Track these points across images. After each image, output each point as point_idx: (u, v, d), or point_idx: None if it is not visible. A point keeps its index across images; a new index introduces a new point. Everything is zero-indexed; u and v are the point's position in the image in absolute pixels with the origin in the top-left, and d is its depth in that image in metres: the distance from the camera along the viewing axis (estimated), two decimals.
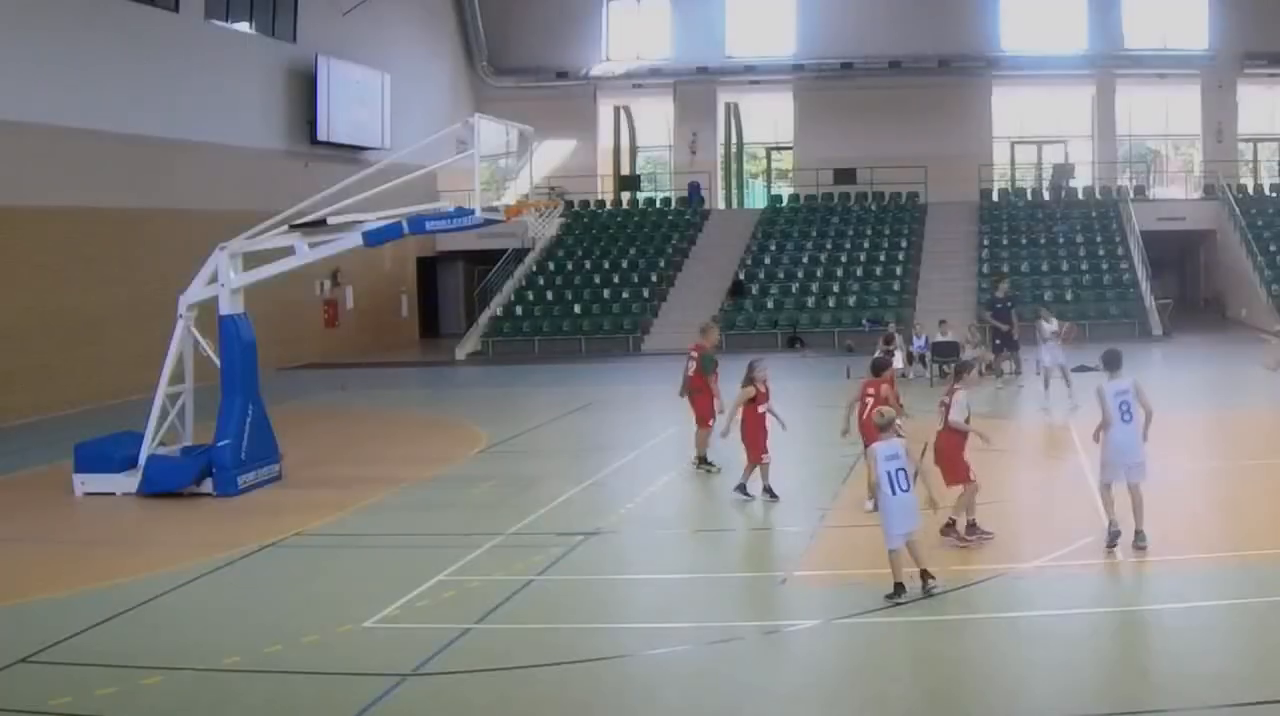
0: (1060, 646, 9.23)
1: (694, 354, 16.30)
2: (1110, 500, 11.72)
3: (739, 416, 14.35)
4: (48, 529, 14.40)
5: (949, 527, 11.92)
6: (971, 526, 11.96)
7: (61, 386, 24.66)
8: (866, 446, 12.33)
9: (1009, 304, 24.70)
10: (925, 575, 10.25)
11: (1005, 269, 34.57)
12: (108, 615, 10.55)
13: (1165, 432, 16.44)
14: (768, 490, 14.24)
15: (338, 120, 34.73)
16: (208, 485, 15.49)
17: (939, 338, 25.08)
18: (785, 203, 42.90)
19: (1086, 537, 11.98)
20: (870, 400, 13.57)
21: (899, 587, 10.16)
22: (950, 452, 12.12)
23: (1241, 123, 42.15)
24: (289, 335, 31.83)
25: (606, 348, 34.17)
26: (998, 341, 24.69)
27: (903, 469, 10.30)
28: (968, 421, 12.23)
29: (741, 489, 14.29)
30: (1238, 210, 37.14)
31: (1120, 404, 11.61)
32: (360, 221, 16.04)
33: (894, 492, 10.27)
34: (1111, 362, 12.00)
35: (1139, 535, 11.48)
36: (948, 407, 12.18)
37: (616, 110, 45.30)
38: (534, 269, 38.56)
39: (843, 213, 41.02)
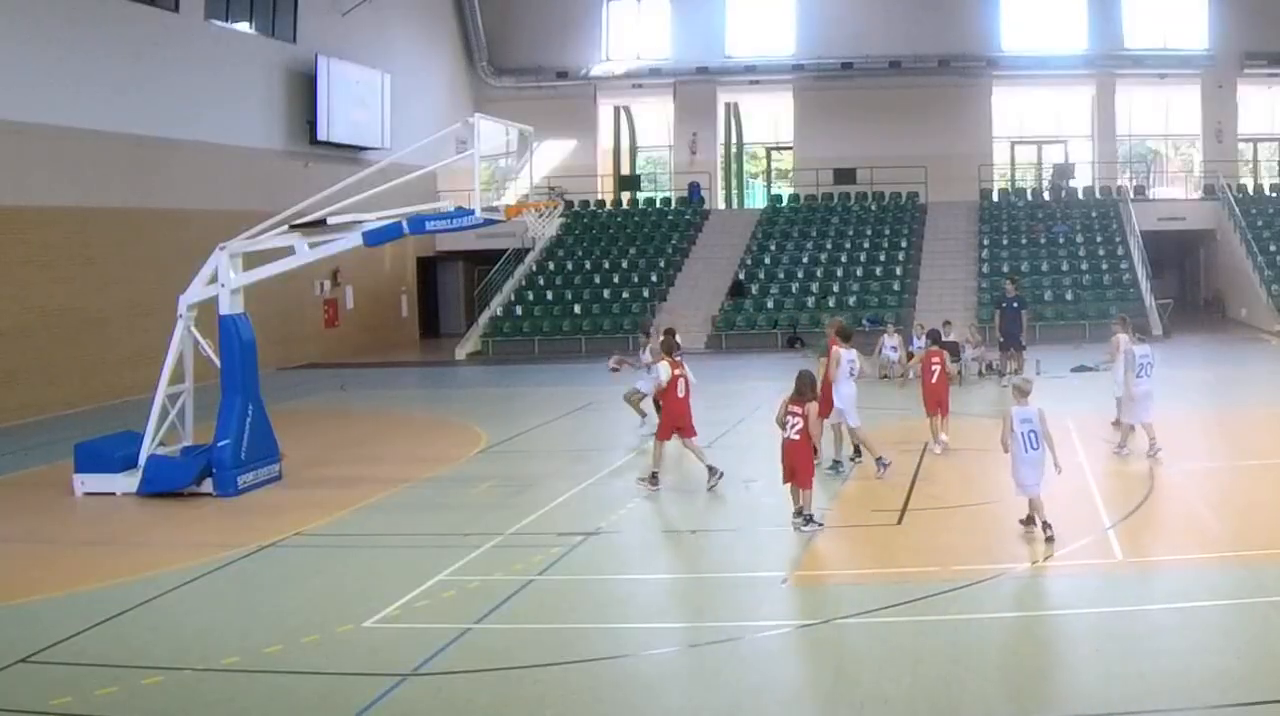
0: (1060, 646, 9.23)
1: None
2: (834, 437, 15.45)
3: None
4: (48, 529, 14.38)
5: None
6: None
7: (61, 386, 24.68)
8: (928, 408, 16.97)
9: (1015, 304, 24.77)
10: (1045, 526, 11.81)
11: (1024, 268, 35.15)
12: (108, 615, 10.55)
13: (1166, 433, 16.55)
14: (810, 517, 12.82)
15: (338, 120, 34.74)
16: (208, 485, 15.49)
17: (941, 337, 25.07)
18: (785, 203, 42.91)
19: (1086, 537, 12.00)
20: (937, 366, 17.03)
21: (1043, 525, 11.87)
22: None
23: (1241, 123, 42.19)
24: (289, 335, 31.87)
25: (606, 348, 34.09)
26: (1002, 340, 24.78)
27: (1034, 431, 11.95)
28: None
29: (809, 519, 12.77)
30: (1238, 210, 37.15)
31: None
32: (360, 221, 16.02)
33: (1025, 451, 11.92)
34: (843, 335, 15.79)
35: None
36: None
37: (616, 110, 45.33)
38: (534, 269, 38.57)
39: (843, 213, 41.03)
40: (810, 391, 12.95)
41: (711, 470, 14.88)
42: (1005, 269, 34.95)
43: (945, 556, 11.60)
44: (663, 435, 15.18)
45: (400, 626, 10.12)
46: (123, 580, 11.74)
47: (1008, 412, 12.22)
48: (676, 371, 15.07)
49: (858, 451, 16.02)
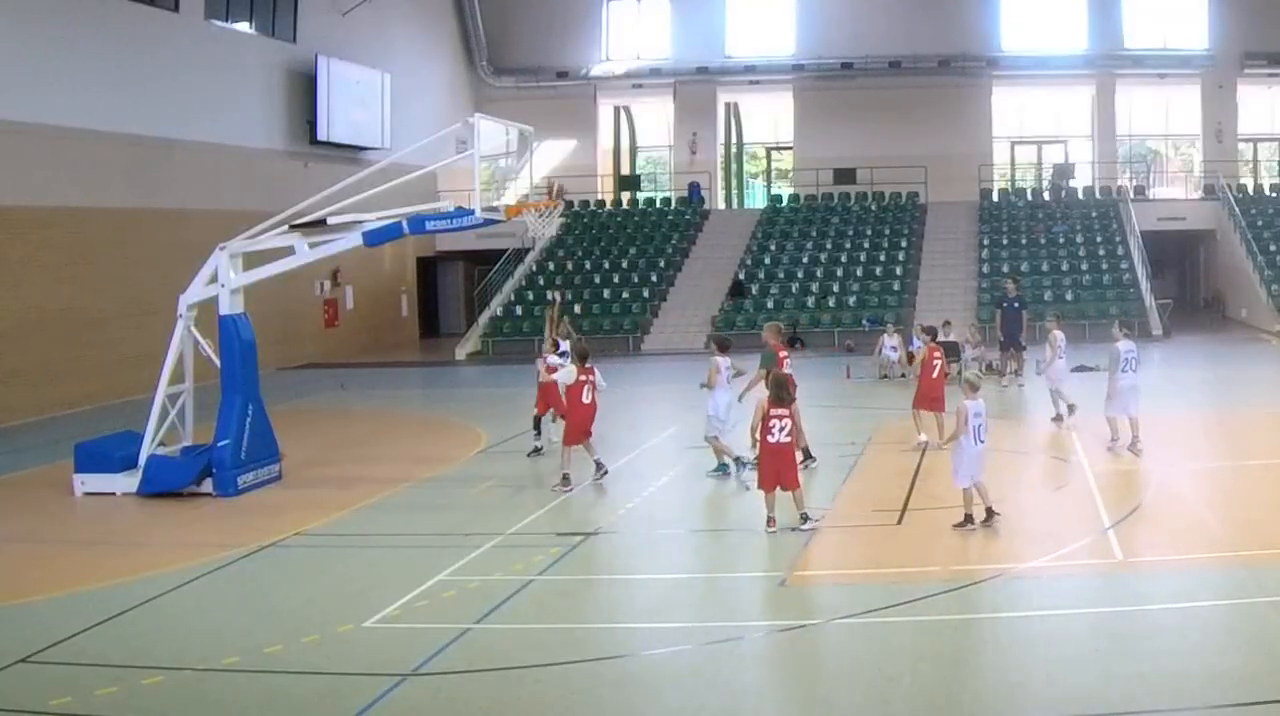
0: (1060, 646, 9.22)
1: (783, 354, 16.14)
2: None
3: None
4: (48, 529, 14.39)
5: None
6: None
7: (61, 386, 24.67)
8: (917, 403, 17.23)
9: (1016, 304, 24.78)
10: (990, 512, 12.30)
11: (1024, 268, 35.17)
12: (108, 615, 10.55)
13: (1166, 432, 16.56)
14: (806, 516, 12.89)
15: (338, 120, 34.74)
16: (208, 485, 15.49)
17: (940, 337, 25.08)
18: (785, 203, 42.91)
19: (1086, 537, 12.00)
20: (938, 362, 17.50)
21: (968, 518, 12.32)
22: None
23: (1241, 123, 42.19)
24: (289, 335, 31.87)
25: (606, 348, 34.05)
26: (1002, 340, 24.80)
27: (983, 424, 12.38)
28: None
29: (806, 517, 12.81)
30: (1238, 210, 37.15)
31: None
32: (360, 221, 16.02)
33: (975, 443, 12.29)
34: (720, 344, 16.01)
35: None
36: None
37: (616, 110, 45.33)
38: (534, 269, 38.58)
39: (843, 213, 41.03)
40: (789, 394, 13.10)
41: (599, 464, 15.51)
42: (1005, 269, 34.95)
43: (945, 556, 11.61)
44: (570, 441, 15.32)
45: (400, 626, 10.12)
46: (123, 580, 11.73)
47: (961, 408, 12.45)
48: (583, 376, 15.29)
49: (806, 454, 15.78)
